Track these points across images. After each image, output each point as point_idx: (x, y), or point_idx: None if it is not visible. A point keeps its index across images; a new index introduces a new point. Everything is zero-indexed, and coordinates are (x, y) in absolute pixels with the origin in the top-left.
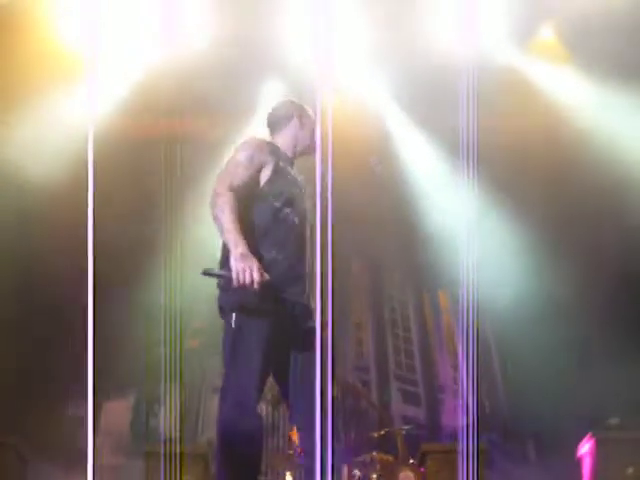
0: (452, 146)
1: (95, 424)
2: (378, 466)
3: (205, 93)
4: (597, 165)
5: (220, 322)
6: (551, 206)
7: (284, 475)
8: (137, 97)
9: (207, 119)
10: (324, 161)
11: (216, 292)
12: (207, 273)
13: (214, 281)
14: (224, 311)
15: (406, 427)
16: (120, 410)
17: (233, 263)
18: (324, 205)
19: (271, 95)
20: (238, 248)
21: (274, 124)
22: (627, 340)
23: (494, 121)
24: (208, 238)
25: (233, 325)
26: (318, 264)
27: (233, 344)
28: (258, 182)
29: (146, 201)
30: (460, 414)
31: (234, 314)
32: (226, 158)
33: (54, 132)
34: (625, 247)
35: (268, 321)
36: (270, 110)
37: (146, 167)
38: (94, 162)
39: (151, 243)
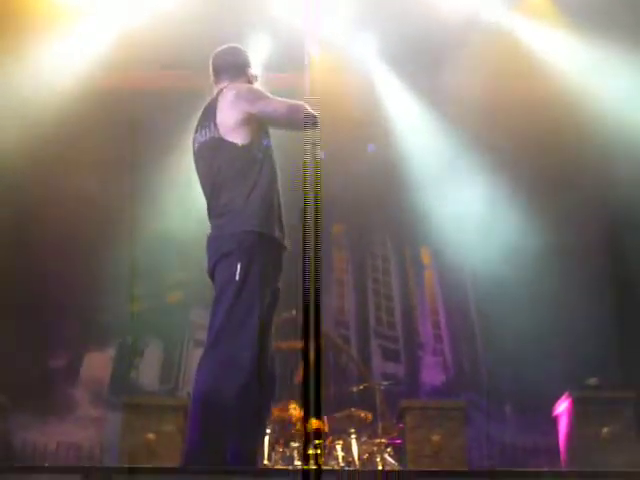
0: (438, 104)
1: (75, 376)
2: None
3: (189, 45)
4: (584, 124)
5: (204, 276)
6: (537, 165)
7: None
8: (120, 50)
9: (190, 71)
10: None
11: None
12: None
13: (200, 236)
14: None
15: (385, 383)
16: (101, 362)
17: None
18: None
19: (257, 49)
20: None
21: (229, 70)
22: (607, 301)
23: (482, 80)
24: (187, 190)
25: (237, 277)
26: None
27: (237, 295)
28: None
29: (125, 152)
30: (439, 372)
31: (239, 264)
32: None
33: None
34: (609, 205)
35: (273, 271)
36: (225, 55)
37: (127, 118)
38: (75, 115)
39: (131, 196)
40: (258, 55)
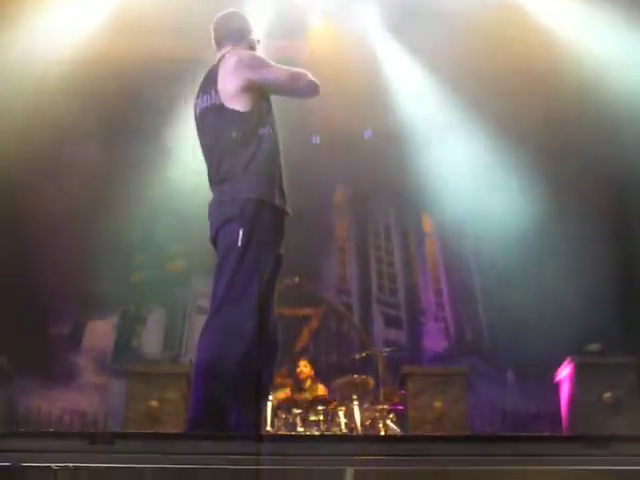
0: (440, 71)
1: (78, 343)
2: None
3: (189, 14)
4: (587, 90)
5: (205, 243)
6: (539, 132)
7: None
8: (120, 19)
9: (191, 40)
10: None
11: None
12: None
13: (199, 204)
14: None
15: (387, 349)
16: (104, 330)
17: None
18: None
19: (258, 18)
20: None
21: (231, 35)
22: (610, 267)
23: (484, 47)
24: (186, 158)
25: (239, 243)
26: None
27: (239, 262)
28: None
29: (131, 121)
30: (441, 338)
31: (241, 230)
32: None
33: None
34: (613, 172)
35: (276, 237)
36: (226, 20)
37: (126, 87)
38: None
39: (135, 163)
40: (259, 23)
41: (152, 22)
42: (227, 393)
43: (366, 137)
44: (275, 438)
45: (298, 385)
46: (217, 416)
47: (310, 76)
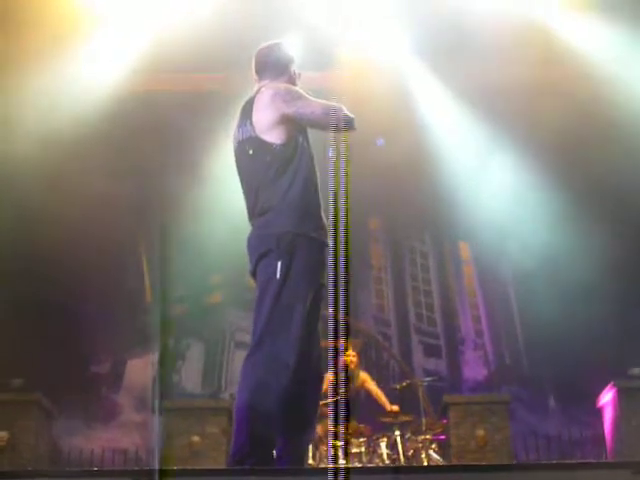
0: (471, 98)
1: (119, 381)
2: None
3: (220, 48)
4: (616, 110)
5: (242, 277)
6: (572, 157)
7: None
8: (152, 53)
9: (222, 74)
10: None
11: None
12: None
13: (237, 235)
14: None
15: (427, 379)
16: (143, 367)
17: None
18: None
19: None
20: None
21: (271, 67)
22: None
23: (514, 70)
24: (229, 190)
25: (278, 276)
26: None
27: (278, 294)
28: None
29: (168, 154)
30: (481, 366)
31: (279, 263)
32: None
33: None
34: None
35: (315, 268)
36: (267, 52)
37: (158, 120)
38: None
39: (170, 198)
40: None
41: (184, 56)
42: (270, 426)
43: (378, 144)
44: (320, 471)
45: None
46: (260, 450)
47: (346, 110)
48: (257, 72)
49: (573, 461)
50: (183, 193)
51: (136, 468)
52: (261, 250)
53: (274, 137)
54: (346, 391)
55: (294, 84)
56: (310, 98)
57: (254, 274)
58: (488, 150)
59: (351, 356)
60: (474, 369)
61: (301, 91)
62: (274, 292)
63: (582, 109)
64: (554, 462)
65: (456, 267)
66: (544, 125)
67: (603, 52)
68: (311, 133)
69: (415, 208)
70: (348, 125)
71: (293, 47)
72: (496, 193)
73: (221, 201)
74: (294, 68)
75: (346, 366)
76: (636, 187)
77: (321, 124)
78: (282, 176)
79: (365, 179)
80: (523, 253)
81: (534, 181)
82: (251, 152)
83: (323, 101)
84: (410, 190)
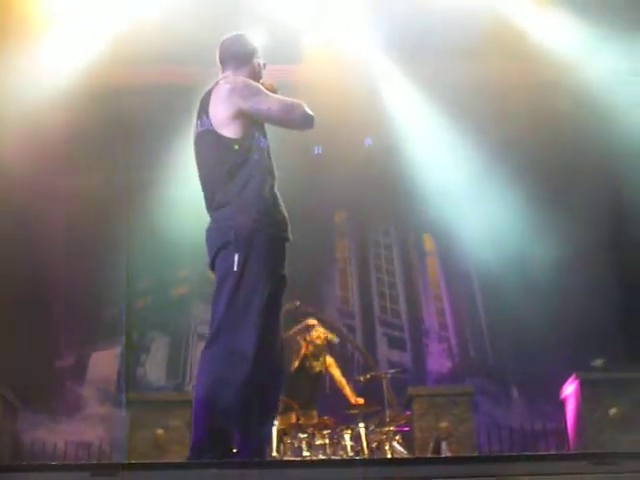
0: (439, 93)
1: (83, 374)
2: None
3: (190, 42)
4: (583, 104)
5: (208, 270)
6: (538, 149)
7: None
8: (118, 47)
9: (190, 68)
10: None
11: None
12: None
13: (200, 229)
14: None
15: (391, 371)
16: (107, 360)
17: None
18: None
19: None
20: None
21: (234, 58)
22: (613, 283)
23: (482, 65)
24: (193, 183)
25: (235, 268)
26: None
27: (236, 287)
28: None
29: (134, 148)
30: (445, 358)
31: (237, 255)
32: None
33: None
34: (616, 200)
35: (273, 262)
36: (230, 43)
37: (125, 115)
38: (74, 112)
39: (135, 190)
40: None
41: (150, 49)
42: (229, 419)
43: (367, 145)
44: (278, 464)
45: (313, 353)
46: (220, 443)
47: (305, 108)
48: (220, 63)
49: (533, 453)
50: (148, 186)
51: (95, 462)
52: (219, 243)
53: (230, 131)
54: (312, 368)
55: (257, 76)
56: (269, 94)
57: (213, 267)
58: (454, 144)
59: (320, 332)
60: (438, 361)
61: (260, 86)
62: (232, 284)
63: (550, 104)
64: (514, 454)
65: (420, 259)
66: (512, 120)
67: (570, 48)
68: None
69: (380, 201)
70: (307, 123)
71: (260, 39)
72: (461, 186)
73: (187, 194)
74: (258, 60)
75: (314, 342)
76: (602, 181)
77: (278, 120)
78: (238, 171)
79: (331, 173)
80: (487, 246)
81: (500, 175)
82: (208, 145)
83: (282, 97)
84: (375, 183)
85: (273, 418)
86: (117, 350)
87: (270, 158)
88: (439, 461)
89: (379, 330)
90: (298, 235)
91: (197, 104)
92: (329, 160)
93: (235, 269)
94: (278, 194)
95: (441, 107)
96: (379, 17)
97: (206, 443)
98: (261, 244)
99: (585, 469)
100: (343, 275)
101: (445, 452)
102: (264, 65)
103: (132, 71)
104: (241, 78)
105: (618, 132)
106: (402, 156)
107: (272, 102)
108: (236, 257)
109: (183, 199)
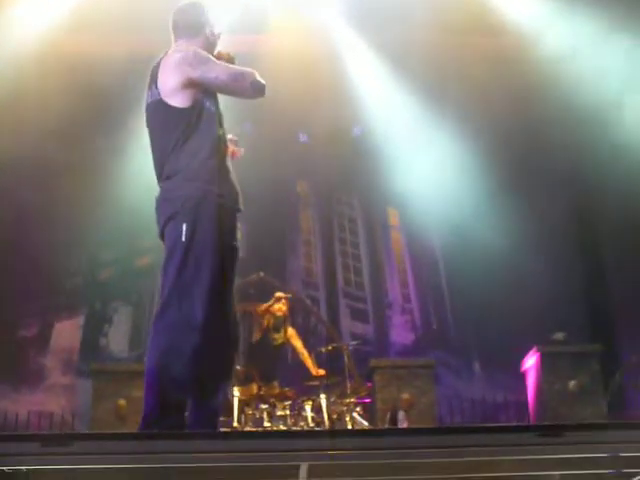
0: (404, 65)
1: (46, 344)
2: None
3: (152, 11)
4: (547, 82)
5: None
6: (501, 127)
7: None
8: (80, 14)
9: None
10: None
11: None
12: None
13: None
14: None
15: (353, 343)
16: (70, 330)
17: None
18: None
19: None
20: None
21: (186, 28)
22: (574, 259)
23: (445, 38)
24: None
25: (183, 238)
26: None
27: (184, 256)
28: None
29: (93, 117)
30: (408, 331)
31: (184, 225)
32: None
33: None
34: (578, 170)
35: (222, 232)
36: (182, 12)
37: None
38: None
39: (96, 160)
40: (221, 16)
41: (109, 19)
42: (180, 389)
43: (356, 134)
44: (230, 435)
45: (274, 325)
46: (171, 413)
47: (257, 76)
48: (173, 33)
49: (480, 424)
50: (112, 155)
51: (45, 432)
52: (168, 213)
53: (179, 101)
54: (274, 340)
55: (211, 46)
56: (218, 62)
57: (162, 237)
58: (419, 118)
59: (281, 304)
60: (401, 334)
61: (209, 56)
62: (180, 254)
63: (513, 77)
64: (464, 426)
65: (384, 232)
66: (476, 93)
67: (534, 22)
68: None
69: (344, 173)
70: (257, 92)
71: (224, 8)
72: (426, 160)
73: (151, 164)
74: (211, 29)
75: (275, 314)
76: (563, 157)
77: (227, 89)
78: (187, 141)
79: (294, 144)
80: (451, 220)
81: (465, 149)
82: (157, 116)
83: (232, 66)
84: (339, 155)
85: (225, 388)
86: (80, 320)
87: (222, 126)
88: (388, 433)
89: (342, 302)
90: (262, 206)
91: (148, 75)
92: (293, 130)
93: (183, 239)
94: (230, 165)
95: (406, 79)
96: None
97: (157, 413)
98: (208, 214)
99: (531, 441)
100: (307, 246)
101: (402, 423)
102: (219, 35)
103: (96, 39)
104: (192, 47)
105: (582, 107)
106: (366, 128)
107: (221, 70)
108: (184, 227)
109: (149, 167)
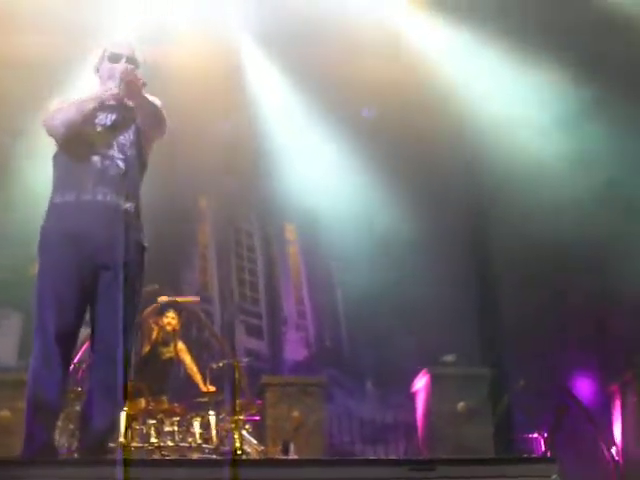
0: (309, 85)
1: None
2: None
3: (53, 14)
4: (449, 106)
5: None
6: (398, 142)
7: None
8: None
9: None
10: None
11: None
12: None
13: None
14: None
15: (245, 359)
16: None
17: None
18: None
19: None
20: None
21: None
22: (465, 282)
23: (349, 59)
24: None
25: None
26: None
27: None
28: None
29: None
30: (302, 347)
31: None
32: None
33: None
34: (473, 190)
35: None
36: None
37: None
38: None
39: None
40: (129, 26)
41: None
42: (44, 416)
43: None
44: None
45: (163, 339)
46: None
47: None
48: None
49: (354, 458)
50: (10, 159)
51: None
52: None
53: None
54: (163, 354)
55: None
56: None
57: None
58: (319, 135)
59: (170, 318)
60: (295, 350)
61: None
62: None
63: (411, 97)
64: (335, 459)
65: (281, 248)
66: (379, 113)
67: (444, 50)
68: None
69: (242, 188)
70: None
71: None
72: (325, 176)
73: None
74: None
75: (164, 328)
76: (460, 170)
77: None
78: None
79: (195, 158)
80: (347, 237)
81: (360, 165)
82: None
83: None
84: (237, 169)
85: (57, 413)
86: None
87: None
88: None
89: (237, 317)
90: (159, 219)
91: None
92: (190, 143)
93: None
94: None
95: (308, 97)
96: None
97: (31, 436)
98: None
99: (403, 474)
100: (203, 260)
101: (292, 453)
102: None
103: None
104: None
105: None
106: (266, 143)
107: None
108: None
109: (46, 174)
